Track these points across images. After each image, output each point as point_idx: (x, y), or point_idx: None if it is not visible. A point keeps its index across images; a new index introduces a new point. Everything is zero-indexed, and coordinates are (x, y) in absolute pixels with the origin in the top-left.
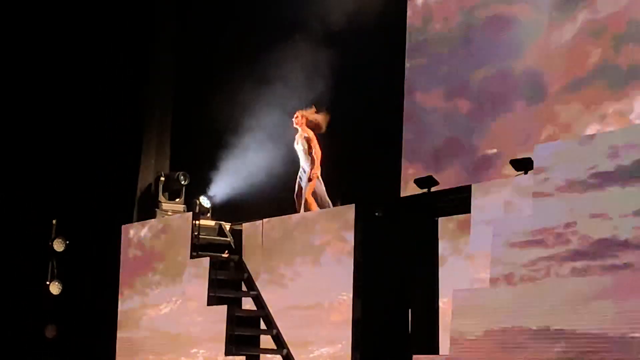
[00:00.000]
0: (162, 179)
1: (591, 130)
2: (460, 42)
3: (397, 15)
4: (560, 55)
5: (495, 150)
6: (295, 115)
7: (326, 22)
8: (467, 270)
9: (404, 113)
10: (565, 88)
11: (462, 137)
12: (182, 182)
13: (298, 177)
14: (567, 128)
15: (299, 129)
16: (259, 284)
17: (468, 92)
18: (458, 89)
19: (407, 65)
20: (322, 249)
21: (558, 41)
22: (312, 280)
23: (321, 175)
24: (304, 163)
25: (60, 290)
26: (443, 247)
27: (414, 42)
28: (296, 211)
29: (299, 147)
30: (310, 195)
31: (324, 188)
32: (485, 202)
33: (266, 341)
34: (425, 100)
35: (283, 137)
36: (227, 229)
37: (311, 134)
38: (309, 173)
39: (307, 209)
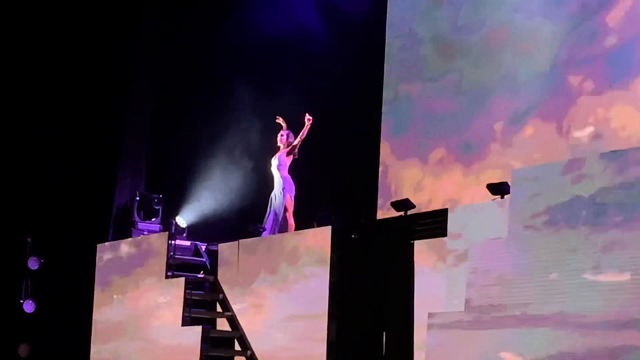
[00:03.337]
0: (138, 198)
1: None
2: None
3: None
4: None
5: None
6: (280, 134)
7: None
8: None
9: (382, 134)
10: None
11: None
12: (156, 207)
13: (270, 197)
14: None
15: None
16: (234, 305)
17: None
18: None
19: (384, 90)
20: (298, 271)
21: None
22: (287, 302)
23: (296, 197)
24: (278, 182)
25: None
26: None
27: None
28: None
29: (274, 165)
30: (292, 216)
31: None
32: (462, 225)
33: None
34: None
35: (257, 159)
36: (203, 249)
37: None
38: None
39: (285, 229)
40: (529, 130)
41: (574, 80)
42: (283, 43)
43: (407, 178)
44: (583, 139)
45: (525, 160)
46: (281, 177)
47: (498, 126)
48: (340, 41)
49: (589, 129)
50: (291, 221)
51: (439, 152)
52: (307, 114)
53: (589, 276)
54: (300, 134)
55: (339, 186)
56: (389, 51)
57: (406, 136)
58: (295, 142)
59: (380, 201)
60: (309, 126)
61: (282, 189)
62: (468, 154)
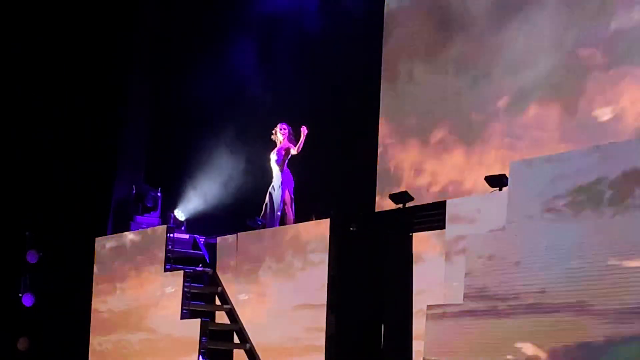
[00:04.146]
0: (134, 192)
1: None
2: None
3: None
4: None
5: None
6: (275, 130)
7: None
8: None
9: (380, 127)
10: None
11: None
12: (155, 200)
13: (269, 191)
14: None
15: (278, 142)
16: (232, 298)
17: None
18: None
19: (382, 85)
20: (296, 263)
21: None
22: (286, 294)
23: (296, 189)
24: (276, 176)
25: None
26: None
27: (390, 64)
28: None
29: (272, 160)
30: (290, 209)
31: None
32: (460, 218)
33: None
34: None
35: (256, 154)
36: (202, 242)
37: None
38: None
39: (284, 222)
40: (534, 109)
41: (584, 56)
42: (280, 21)
43: (406, 160)
44: (592, 117)
45: (530, 140)
46: (280, 171)
47: (502, 104)
48: (339, 19)
49: (599, 108)
50: (290, 215)
51: (439, 133)
52: (303, 127)
53: (612, 262)
54: (297, 147)
55: (337, 175)
56: (388, 27)
57: (406, 116)
58: (293, 152)
59: (379, 185)
60: (304, 138)
61: (281, 183)
62: (470, 134)
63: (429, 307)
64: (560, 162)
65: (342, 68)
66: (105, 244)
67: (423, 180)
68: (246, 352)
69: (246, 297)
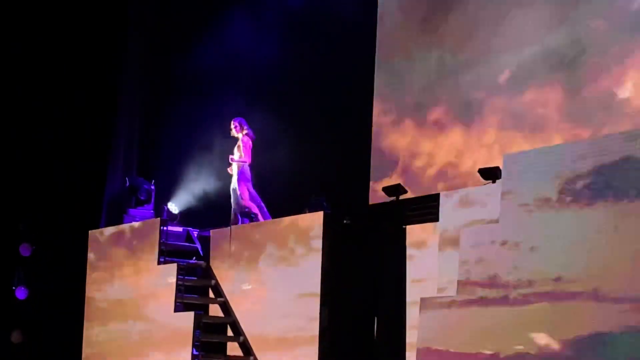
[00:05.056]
0: (128, 184)
1: None
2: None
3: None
4: None
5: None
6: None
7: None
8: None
9: (374, 106)
10: None
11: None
12: (149, 193)
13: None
14: None
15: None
16: (226, 291)
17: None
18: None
19: (376, 75)
20: (290, 257)
21: None
22: (279, 287)
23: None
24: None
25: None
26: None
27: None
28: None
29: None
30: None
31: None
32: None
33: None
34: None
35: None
36: (195, 235)
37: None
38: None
39: (251, 217)
40: (535, 87)
41: (588, 31)
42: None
43: (401, 141)
44: (595, 95)
45: (531, 119)
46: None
47: (502, 82)
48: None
49: (603, 85)
50: (254, 209)
51: (436, 112)
52: (246, 136)
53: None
54: (238, 156)
55: (330, 158)
56: (384, 3)
57: (401, 95)
58: (238, 159)
59: (373, 168)
60: (248, 149)
61: (237, 180)
62: (468, 113)
63: (423, 299)
64: (554, 154)
65: (335, 45)
66: (98, 237)
67: (419, 163)
68: (240, 345)
69: (245, 288)
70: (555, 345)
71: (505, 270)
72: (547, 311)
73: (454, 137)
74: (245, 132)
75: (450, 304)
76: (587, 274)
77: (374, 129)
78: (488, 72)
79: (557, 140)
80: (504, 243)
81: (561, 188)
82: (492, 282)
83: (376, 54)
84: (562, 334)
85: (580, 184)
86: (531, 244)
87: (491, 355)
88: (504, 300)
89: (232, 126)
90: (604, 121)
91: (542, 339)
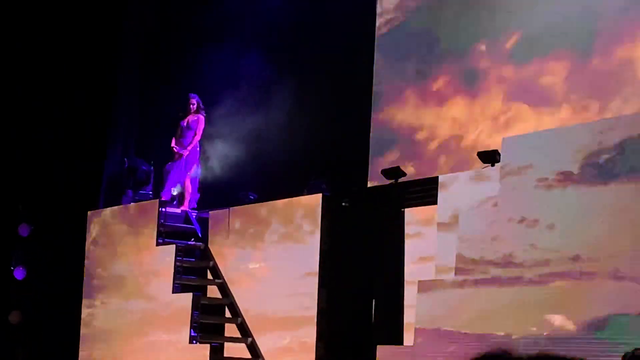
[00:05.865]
0: (127, 165)
1: None
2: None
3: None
4: None
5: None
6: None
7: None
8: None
9: (372, 104)
10: None
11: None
12: (147, 174)
13: None
14: None
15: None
16: (224, 272)
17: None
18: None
19: (376, 55)
20: (288, 238)
21: None
22: (278, 269)
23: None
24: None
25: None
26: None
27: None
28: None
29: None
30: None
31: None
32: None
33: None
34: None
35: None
36: (194, 216)
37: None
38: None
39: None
40: (542, 56)
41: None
42: None
43: (402, 113)
44: (604, 65)
45: (538, 90)
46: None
47: (509, 48)
48: None
49: (612, 55)
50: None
51: (439, 82)
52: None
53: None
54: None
55: (330, 131)
56: None
57: (402, 63)
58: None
59: (372, 141)
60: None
61: (191, 160)
62: (472, 82)
63: (421, 281)
64: (555, 137)
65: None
66: (97, 218)
67: (420, 136)
68: (237, 326)
69: (238, 272)
70: (570, 327)
71: (507, 250)
72: (564, 291)
73: (458, 108)
74: (202, 108)
75: (462, 283)
76: (607, 254)
77: (373, 100)
78: (496, 36)
79: (565, 111)
80: (510, 220)
81: (583, 164)
82: (505, 261)
83: (376, 15)
84: (578, 315)
85: (602, 160)
86: (547, 221)
87: (502, 336)
88: (517, 280)
89: (191, 103)
90: (614, 93)
91: (556, 320)
